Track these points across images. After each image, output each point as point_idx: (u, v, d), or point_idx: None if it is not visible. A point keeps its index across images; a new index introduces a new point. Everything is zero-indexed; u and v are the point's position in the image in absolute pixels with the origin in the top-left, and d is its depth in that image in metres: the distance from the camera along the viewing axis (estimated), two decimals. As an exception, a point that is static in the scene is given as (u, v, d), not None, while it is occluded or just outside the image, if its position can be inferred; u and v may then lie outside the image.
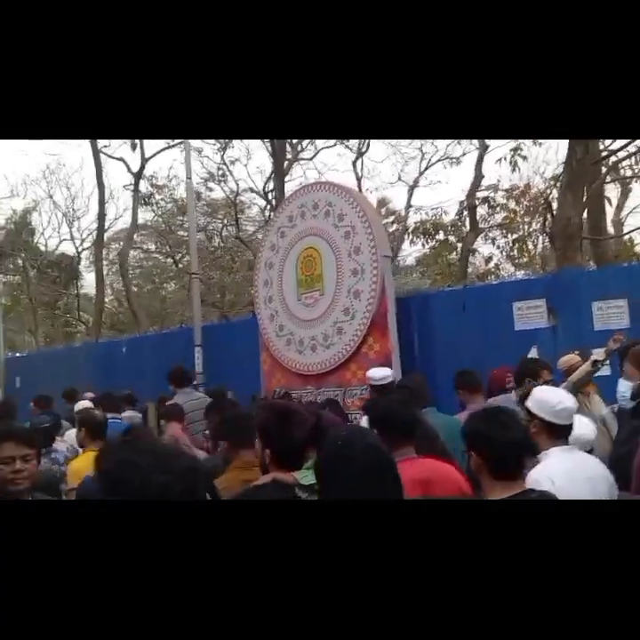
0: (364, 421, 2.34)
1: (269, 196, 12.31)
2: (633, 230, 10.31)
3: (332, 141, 12.84)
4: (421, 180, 13.62)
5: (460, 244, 12.45)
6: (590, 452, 2.13)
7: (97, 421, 3.00)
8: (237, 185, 13.61)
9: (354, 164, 13.42)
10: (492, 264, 13.49)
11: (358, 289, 5.07)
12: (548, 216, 7.21)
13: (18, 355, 14.15)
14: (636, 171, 10.32)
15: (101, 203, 12.82)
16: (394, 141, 13.15)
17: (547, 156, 23.41)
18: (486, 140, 11.30)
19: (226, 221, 15.08)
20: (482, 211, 12.02)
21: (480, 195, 11.75)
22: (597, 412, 3.30)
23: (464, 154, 13.03)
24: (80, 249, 17.00)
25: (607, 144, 8.37)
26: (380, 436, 1.52)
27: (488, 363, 4.37)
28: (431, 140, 13.23)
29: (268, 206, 12.45)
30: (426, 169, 13.56)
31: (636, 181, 11.19)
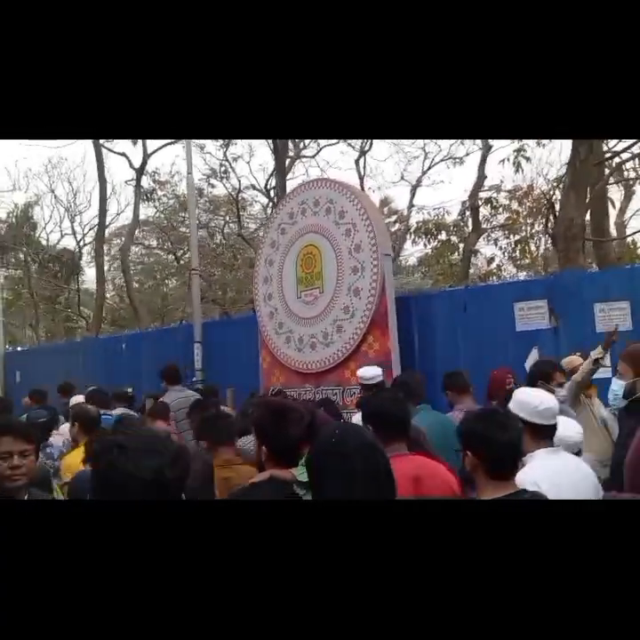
0: (357, 418, 2.34)
1: (271, 194, 12.28)
2: (635, 232, 10.28)
3: (335, 139, 12.81)
4: (424, 179, 13.61)
5: (461, 245, 12.43)
6: (577, 453, 2.11)
7: (90, 416, 2.99)
8: (239, 182, 13.61)
9: (356, 162, 13.40)
10: (493, 265, 13.47)
11: (358, 287, 5.04)
12: (551, 217, 7.18)
13: (18, 349, 14.16)
14: (640, 173, 10.28)
15: (102, 198, 12.81)
16: (397, 140, 13.12)
17: (550, 158, 23.38)
18: (489, 141, 11.28)
19: (228, 218, 15.07)
20: (484, 211, 12.01)
21: (483, 195, 11.73)
22: (599, 414, 3.29)
23: (467, 154, 13.02)
24: (81, 244, 17.02)
25: (611, 145, 8.34)
26: (373, 432, 1.51)
27: (489, 363, 4.35)
28: (434, 140, 13.21)
29: (270, 203, 12.43)
30: (429, 169, 13.55)
31: (640, 183, 11.15)
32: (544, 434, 1.92)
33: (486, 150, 11.30)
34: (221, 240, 15.43)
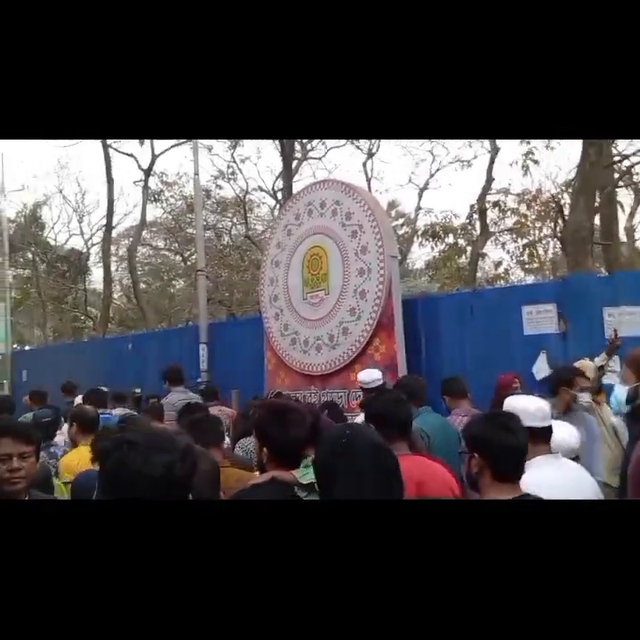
0: (359, 419, 2.34)
1: (279, 195, 12.29)
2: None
3: (342, 141, 12.81)
4: (432, 182, 13.57)
5: (469, 248, 12.37)
6: (576, 459, 2.10)
7: (89, 416, 2.96)
8: (247, 183, 13.63)
9: (364, 165, 13.39)
10: (501, 268, 13.39)
11: (365, 289, 5.01)
12: (560, 221, 7.13)
13: (26, 348, 14.24)
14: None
15: (110, 198, 12.87)
16: (404, 143, 13.10)
17: (558, 162, 23.25)
18: (497, 144, 11.23)
19: (235, 220, 15.10)
20: (492, 215, 11.93)
21: (491, 198, 11.67)
22: (608, 421, 3.24)
23: (475, 157, 12.97)
24: (89, 244, 17.11)
25: (621, 149, 8.28)
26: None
27: (496, 367, 4.30)
28: (442, 143, 13.18)
29: (277, 205, 12.43)
30: (436, 171, 13.51)
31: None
32: (540, 437, 1.91)
33: (494, 153, 11.25)
34: (229, 241, 15.46)
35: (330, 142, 13.03)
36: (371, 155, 13.27)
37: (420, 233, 13.15)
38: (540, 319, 4.70)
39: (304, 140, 12.60)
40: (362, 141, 13.00)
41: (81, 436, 2.87)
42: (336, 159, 17.42)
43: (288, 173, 10.37)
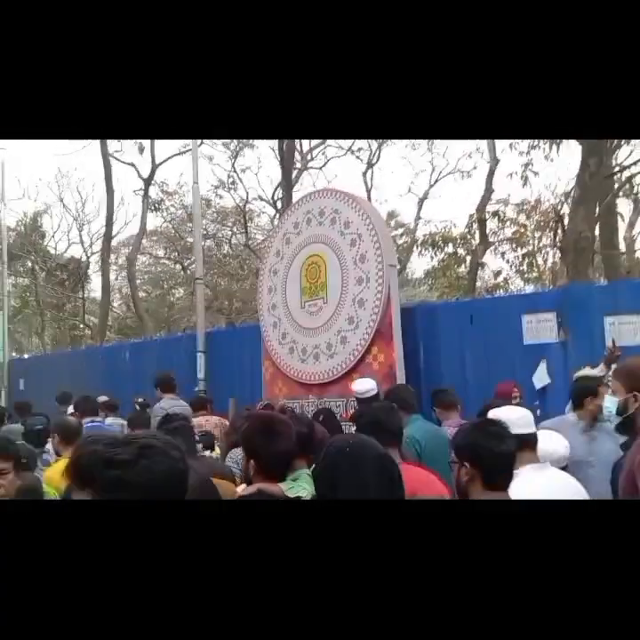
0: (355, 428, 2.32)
1: (278, 205, 12.32)
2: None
3: (343, 151, 12.86)
4: (431, 192, 13.60)
5: (468, 258, 12.36)
6: (564, 468, 2.08)
7: (70, 427, 2.98)
8: (247, 193, 13.67)
9: (364, 174, 13.43)
10: (500, 278, 13.38)
11: (363, 298, 4.98)
12: (559, 231, 7.12)
13: (23, 357, 14.19)
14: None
15: (109, 207, 12.89)
16: (405, 153, 13.16)
17: (558, 172, 23.34)
18: (497, 155, 11.26)
19: (235, 229, 15.14)
20: (492, 224, 11.95)
21: (490, 208, 11.68)
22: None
23: (475, 168, 13.01)
24: (89, 253, 17.12)
25: (620, 160, 8.30)
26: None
27: (495, 377, 4.26)
28: (442, 154, 13.22)
29: (277, 214, 12.46)
30: (436, 182, 13.55)
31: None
32: (526, 445, 1.88)
33: (494, 164, 11.28)
34: (228, 250, 15.49)
35: (330, 152, 13.09)
36: (370, 165, 13.32)
37: (419, 242, 13.16)
38: (540, 328, 4.66)
39: (304, 151, 12.65)
40: (362, 152, 13.06)
41: (64, 446, 2.88)
42: (336, 169, 17.53)
43: (288, 183, 10.38)
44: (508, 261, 12.78)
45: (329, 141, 12.79)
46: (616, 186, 8.31)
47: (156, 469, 0.97)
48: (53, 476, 2.65)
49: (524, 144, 10.43)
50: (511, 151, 10.43)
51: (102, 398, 5.33)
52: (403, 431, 2.16)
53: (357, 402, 3.91)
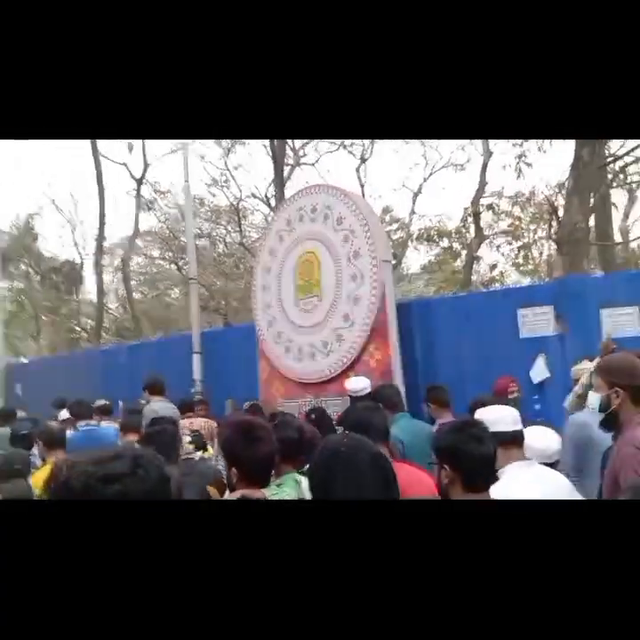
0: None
1: (272, 202, 12.25)
2: (640, 237, 10.15)
3: (335, 146, 12.80)
4: (425, 186, 13.55)
5: (464, 252, 12.34)
6: (553, 464, 2.07)
7: (52, 433, 3.06)
8: (240, 191, 13.59)
9: (357, 170, 13.37)
10: (496, 271, 13.35)
11: (358, 295, 4.94)
12: (554, 222, 7.09)
13: (19, 361, 14.11)
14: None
15: (102, 208, 12.81)
16: (398, 148, 13.10)
17: (551, 164, 23.28)
18: (490, 147, 11.22)
19: (229, 228, 15.06)
20: (486, 217, 11.91)
21: (484, 201, 11.64)
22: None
23: (468, 161, 12.96)
24: (83, 254, 17.04)
25: (613, 149, 8.26)
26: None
27: (492, 371, 4.23)
28: (435, 147, 13.18)
29: (271, 213, 12.39)
30: (430, 176, 13.50)
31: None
32: (512, 442, 1.88)
33: (487, 157, 11.24)
34: (223, 249, 15.40)
35: (322, 148, 13.03)
36: (363, 160, 13.25)
37: (414, 237, 13.12)
38: (537, 322, 4.63)
39: (296, 146, 12.58)
40: (355, 147, 13.01)
41: (47, 452, 2.97)
42: (329, 165, 17.42)
43: (280, 180, 10.32)
44: (503, 254, 12.77)
45: (321, 137, 12.75)
46: (610, 176, 8.28)
47: (152, 477, 0.96)
48: (38, 482, 2.74)
49: (517, 136, 10.36)
50: (505, 143, 10.37)
51: (100, 402, 5.30)
52: (389, 430, 2.16)
53: (351, 400, 3.87)
